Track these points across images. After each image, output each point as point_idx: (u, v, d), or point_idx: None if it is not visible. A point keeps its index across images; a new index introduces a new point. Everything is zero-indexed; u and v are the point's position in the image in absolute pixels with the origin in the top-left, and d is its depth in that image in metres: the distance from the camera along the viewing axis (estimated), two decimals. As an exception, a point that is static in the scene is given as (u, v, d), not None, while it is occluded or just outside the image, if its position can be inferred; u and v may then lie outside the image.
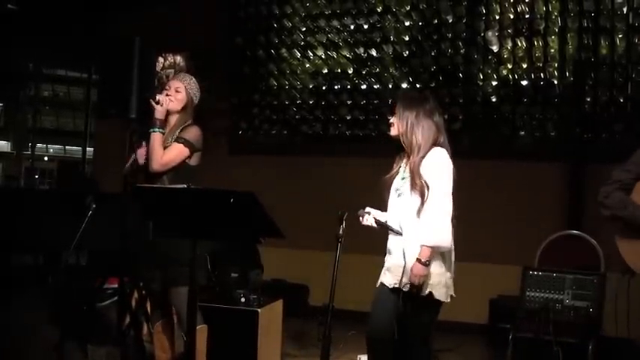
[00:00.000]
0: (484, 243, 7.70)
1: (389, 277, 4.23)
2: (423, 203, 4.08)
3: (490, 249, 7.83)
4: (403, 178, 4.23)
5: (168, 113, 4.70)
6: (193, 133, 4.67)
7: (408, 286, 4.07)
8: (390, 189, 4.32)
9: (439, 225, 4.03)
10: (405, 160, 4.30)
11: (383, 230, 4.30)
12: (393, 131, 4.28)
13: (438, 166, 4.13)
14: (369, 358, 4.42)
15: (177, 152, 4.60)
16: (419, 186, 4.09)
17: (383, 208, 4.38)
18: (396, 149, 4.36)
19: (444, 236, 4.05)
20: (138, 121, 4.73)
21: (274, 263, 7.99)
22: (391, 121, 4.28)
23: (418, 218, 4.10)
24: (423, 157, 4.15)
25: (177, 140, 4.62)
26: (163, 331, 4.78)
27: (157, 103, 4.59)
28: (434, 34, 8.59)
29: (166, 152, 4.58)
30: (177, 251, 4.33)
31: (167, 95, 4.67)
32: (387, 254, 4.31)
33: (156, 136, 4.57)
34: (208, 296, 5.79)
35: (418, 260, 4.02)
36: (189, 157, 4.65)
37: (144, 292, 5.08)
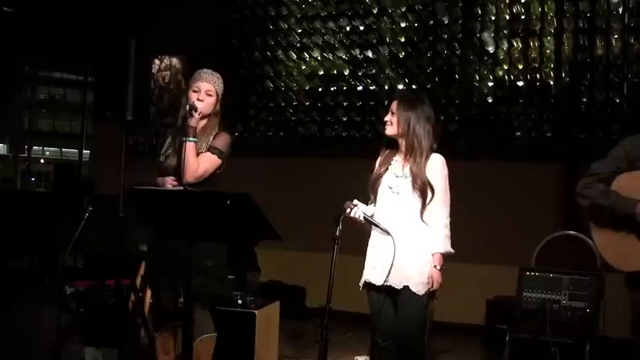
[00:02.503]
0: (481, 244, 7.71)
1: (376, 275, 4.25)
2: (424, 204, 4.18)
3: (487, 250, 7.84)
4: (398, 177, 4.26)
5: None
6: (225, 141, 4.55)
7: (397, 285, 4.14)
8: (377, 186, 4.34)
9: (448, 233, 4.21)
10: (397, 159, 4.32)
11: (367, 225, 4.31)
12: (391, 130, 4.29)
13: (444, 174, 4.26)
14: (375, 358, 4.45)
15: (210, 163, 4.47)
16: (421, 187, 4.17)
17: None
18: (386, 146, 4.39)
19: (450, 243, 4.22)
20: (134, 123, 4.69)
21: (271, 265, 7.99)
22: (387, 119, 4.30)
23: (421, 219, 4.18)
24: (425, 160, 4.21)
25: (212, 151, 4.47)
26: (167, 336, 4.72)
27: (196, 111, 4.39)
28: (430, 35, 8.60)
29: (201, 164, 4.42)
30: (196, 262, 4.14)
31: (198, 99, 4.47)
32: (372, 251, 4.33)
33: (191, 146, 4.37)
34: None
35: (436, 267, 4.18)
36: (221, 166, 4.54)
37: (141, 294, 5.07)
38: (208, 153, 4.48)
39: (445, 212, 4.23)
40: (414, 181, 4.18)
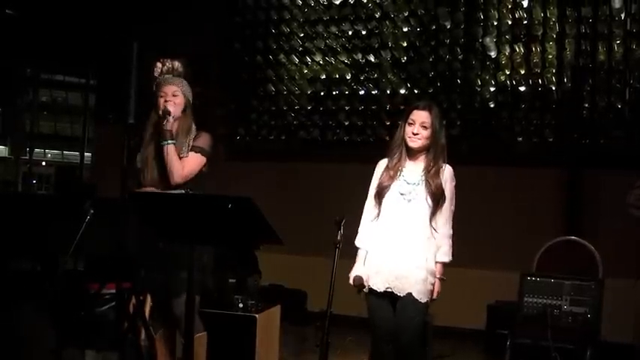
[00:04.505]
0: (482, 249, 7.70)
1: (378, 281, 4.24)
2: (435, 210, 4.21)
3: (488, 254, 7.83)
4: (410, 184, 4.25)
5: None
6: (207, 140, 4.58)
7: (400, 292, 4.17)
8: (384, 193, 4.32)
9: (451, 243, 4.27)
10: (409, 166, 4.31)
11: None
12: (420, 144, 4.28)
13: (453, 185, 4.30)
14: None
15: (196, 162, 4.50)
16: (435, 192, 4.19)
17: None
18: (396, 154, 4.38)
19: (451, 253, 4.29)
20: (136, 125, 4.70)
21: (272, 269, 7.98)
22: (417, 132, 4.26)
23: (429, 224, 4.20)
24: (439, 167, 4.25)
25: (195, 150, 4.51)
26: (166, 338, 4.72)
27: (170, 115, 4.47)
28: (432, 40, 8.61)
29: (186, 164, 4.46)
30: (180, 257, 4.16)
31: (166, 102, 4.52)
32: (374, 256, 4.31)
33: (171, 149, 4.44)
34: (206, 302, 5.78)
35: (439, 279, 4.25)
36: (205, 164, 4.56)
37: (142, 297, 5.07)
38: (192, 152, 4.52)
39: (450, 223, 4.28)
40: (429, 187, 4.20)
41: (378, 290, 4.23)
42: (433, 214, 4.20)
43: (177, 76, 4.71)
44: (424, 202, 4.20)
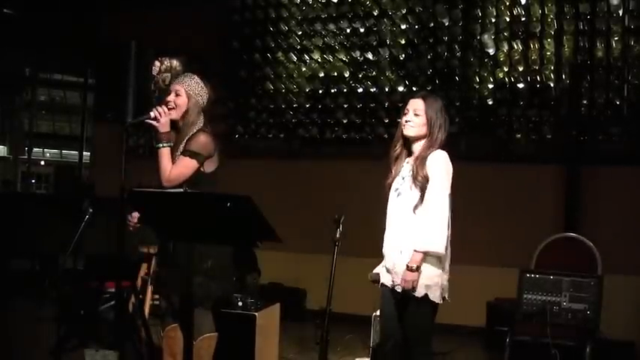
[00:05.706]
0: (481, 245, 7.71)
1: (388, 279, 4.20)
2: (422, 198, 4.04)
3: (487, 251, 7.84)
4: (403, 178, 4.18)
5: (175, 121, 4.48)
6: (199, 142, 4.42)
7: (400, 287, 4.08)
8: (389, 194, 4.27)
9: (435, 231, 3.99)
10: (408, 160, 4.25)
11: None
12: (413, 131, 4.17)
13: (440, 169, 4.09)
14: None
15: (183, 166, 4.39)
16: (420, 180, 4.05)
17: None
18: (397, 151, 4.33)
19: (438, 242, 4.00)
20: (134, 124, 4.68)
21: (271, 267, 7.99)
22: (410, 119, 4.17)
23: (414, 214, 4.05)
24: (427, 154, 4.12)
25: (184, 153, 4.40)
26: (173, 336, 4.68)
27: (154, 119, 4.38)
28: (430, 38, 8.60)
29: (173, 167, 4.39)
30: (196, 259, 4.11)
31: (167, 103, 4.46)
32: (384, 251, 4.27)
33: (163, 152, 4.39)
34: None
35: (408, 267, 3.98)
36: (200, 167, 4.44)
37: (141, 296, 5.07)
38: (181, 156, 4.41)
39: (438, 206, 4.02)
40: (414, 176, 4.08)
41: (389, 286, 4.17)
42: (420, 201, 4.05)
43: (189, 74, 4.65)
44: (409, 192, 4.09)
